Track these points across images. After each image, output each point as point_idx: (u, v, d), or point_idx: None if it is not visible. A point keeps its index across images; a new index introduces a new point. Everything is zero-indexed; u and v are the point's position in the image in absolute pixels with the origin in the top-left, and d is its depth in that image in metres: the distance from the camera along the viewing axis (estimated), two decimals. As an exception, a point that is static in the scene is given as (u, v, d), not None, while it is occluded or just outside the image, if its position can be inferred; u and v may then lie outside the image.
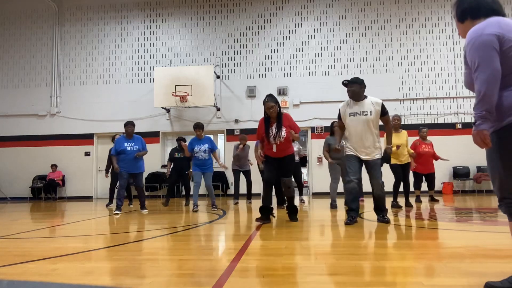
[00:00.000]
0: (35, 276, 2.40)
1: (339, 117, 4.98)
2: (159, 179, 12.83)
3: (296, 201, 8.74)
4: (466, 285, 2.05)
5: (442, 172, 12.12)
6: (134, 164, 6.95)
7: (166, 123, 13.32)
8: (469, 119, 12.48)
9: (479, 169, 12.09)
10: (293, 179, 9.04)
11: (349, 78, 5.04)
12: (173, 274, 2.41)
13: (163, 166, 12.70)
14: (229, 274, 2.34)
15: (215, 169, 12.94)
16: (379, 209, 4.89)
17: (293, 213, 5.28)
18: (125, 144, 6.98)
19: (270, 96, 5.09)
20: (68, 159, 13.33)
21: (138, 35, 13.83)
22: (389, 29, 13.06)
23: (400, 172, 7.04)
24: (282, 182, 5.15)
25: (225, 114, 13.06)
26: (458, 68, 12.74)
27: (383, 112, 4.81)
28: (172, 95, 12.05)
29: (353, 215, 4.76)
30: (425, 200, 8.56)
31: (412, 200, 8.14)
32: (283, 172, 5.13)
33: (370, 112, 4.75)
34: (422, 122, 12.42)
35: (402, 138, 6.99)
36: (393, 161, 7.03)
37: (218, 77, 13.14)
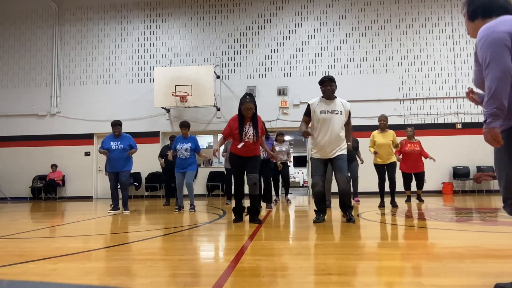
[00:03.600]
0: (35, 276, 2.40)
1: (307, 113, 4.99)
2: (159, 179, 12.82)
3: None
4: (466, 285, 2.05)
5: (442, 172, 12.13)
6: (119, 162, 6.88)
7: (166, 123, 13.32)
8: (469, 119, 12.49)
9: (479, 169, 12.09)
10: (279, 179, 9.02)
11: (331, 76, 5.07)
12: (173, 274, 2.41)
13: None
14: (229, 274, 2.34)
15: (215, 169, 13.13)
16: (345, 206, 4.86)
17: (253, 213, 5.08)
18: (111, 143, 6.93)
19: (250, 96, 5.06)
20: (68, 159, 13.33)
21: (138, 35, 13.83)
22: (389, 29, 13.06)
23: (383, 171, 7.08)
24: (248, 178, 5.04)
25: (225, 114, 13.05)
26: (458, 68, 12.74)
27: (349, 115, 4.99)
28: (172, 95, 12.05)
29: (321, 214, 4.92)
30: (413, 200, 8.51)
31: (402, 200, 8.17)
32: (250, 169, 5.06)
33: (340, 111, 4.89)
34: (422, 122, 12.43)
35: (387, 138, 7.04)
36: (376, 160, 7.07)
37: (218, 77, 13.15)
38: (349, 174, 4.93)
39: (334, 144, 4.82)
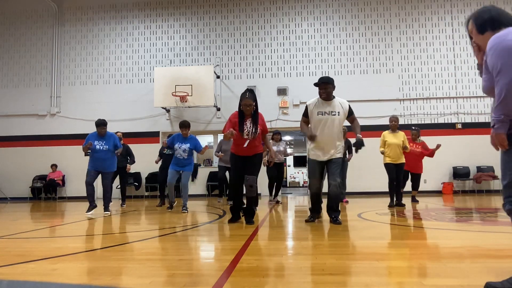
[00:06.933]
0: (35, 276, 2.40)
1: (306, 114, 4.96)
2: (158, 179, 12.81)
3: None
4: (466, 285, 2.05)
5: (442, 172, 12.14)
6: (103, 163, 6.71)
7: (166, 123, 13.32)
8: (469, 119, 12.49)
9: (479, 169, 12.08)
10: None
11: (326, 78, 4.93)
12: (173, 274, 2.41)
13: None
14: (229, 274, 2.34)
15: (215, 169, 13.11)
16: (332, 209, 4.80)
17: (249, 215, 4.92)
18: (96, 142, 6.75)
19: (250, 92, 4.88)
20: (68, 159, 13.31)
21: (138, 35, 13.83)
22: (389, 29, 13.06)
23: (393, 171, 7.07)
24: (245, 180, 4.86)
25: (225, 114, 13.03)
26: (458, 68, 12.74)
27: (350, 113, 4.91)
28: (172, 95, 12.05)
29: (313, 215, 4.98)
30: (407, 200, 8.43)
31: (407, 200, 8.14)
32: (249, 170, 4.85)
33: (338, 112, 4.81)
34: (422, 122, 12.43)
35: (398, 139, 7.05)
36: (387, 160, 7.06)
37: (218, 77, 13.15)
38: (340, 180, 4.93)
39: (330, 145, 4.79)
